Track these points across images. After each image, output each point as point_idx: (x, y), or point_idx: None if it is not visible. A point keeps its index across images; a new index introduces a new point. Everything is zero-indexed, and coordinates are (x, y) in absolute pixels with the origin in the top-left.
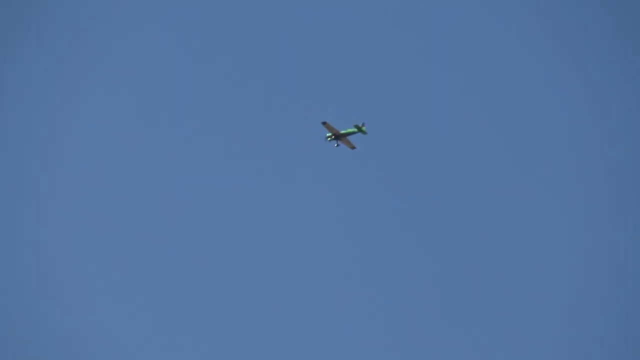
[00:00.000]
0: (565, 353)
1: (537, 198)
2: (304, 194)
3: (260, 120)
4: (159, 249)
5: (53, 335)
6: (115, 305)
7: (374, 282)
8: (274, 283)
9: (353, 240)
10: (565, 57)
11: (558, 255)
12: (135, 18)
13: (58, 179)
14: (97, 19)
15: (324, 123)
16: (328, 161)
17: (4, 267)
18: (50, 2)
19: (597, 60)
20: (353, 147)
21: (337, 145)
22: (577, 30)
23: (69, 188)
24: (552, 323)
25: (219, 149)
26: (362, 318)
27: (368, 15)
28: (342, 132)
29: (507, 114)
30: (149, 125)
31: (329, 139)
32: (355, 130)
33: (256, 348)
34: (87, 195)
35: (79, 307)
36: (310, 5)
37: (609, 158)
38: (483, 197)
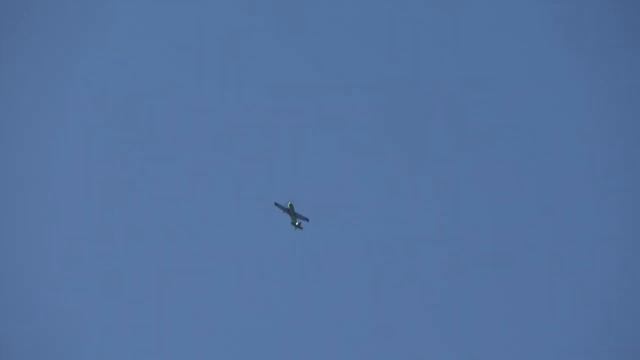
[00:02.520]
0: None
1: (537, 199)
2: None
3: (256, 127)
4: (152, 249)
5: (40, 333)
6: (106, 303)
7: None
8: (270, 283)
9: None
10: (566, 57)
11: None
12: (127, 21)
13: (51, 178)
14: (91, 20)
15: (276, 204)
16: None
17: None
18: (43, 3)
19: (597, 60)
20: (306, 219)
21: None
22: (578, 30)
23: (62, 187)
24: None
25: (211, 152)
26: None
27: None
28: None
29: (506, 114)
30: (142, 126)
31: (295, 225)
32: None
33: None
34: (79, 194)
35: (69, 305)
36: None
37: (610, 156)
38: (485, 197)
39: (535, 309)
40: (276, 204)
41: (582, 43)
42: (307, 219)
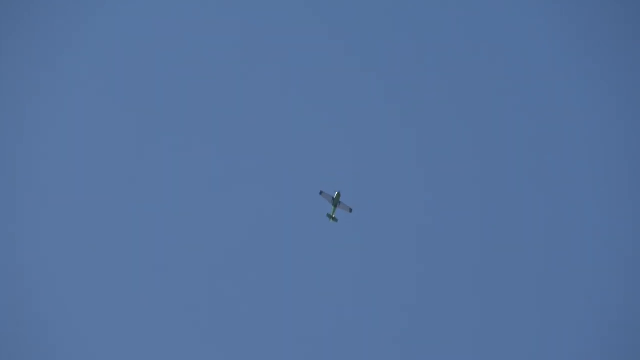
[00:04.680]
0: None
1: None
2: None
3: (256, 125)
4: (149, 250)
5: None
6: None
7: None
8: (270, 285)
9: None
10: (566, 57)
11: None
12: (128, 18)
13: (47, 178)
14: (90, 17)
15: (321, 193)
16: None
17: None
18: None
19: (598, 60)
20: (350, 210)
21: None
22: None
23: (59, 187)
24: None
25: (210, 152)
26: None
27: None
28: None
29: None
30: (140, 127)
31: (331, 217)
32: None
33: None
34: (77, 195)
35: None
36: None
37: (611, 157)
38: (486, 199)
39: (536, 309)
40: (322, 193)
41: (584, 41)
42: (351, 210)
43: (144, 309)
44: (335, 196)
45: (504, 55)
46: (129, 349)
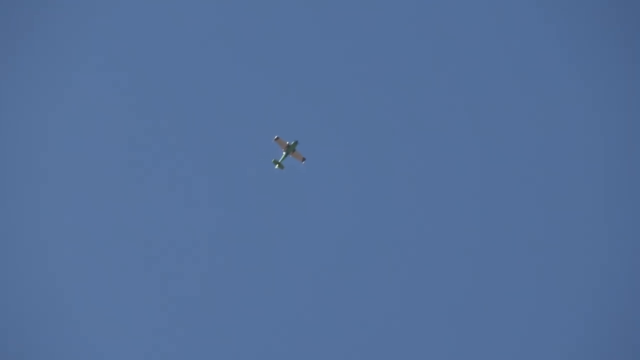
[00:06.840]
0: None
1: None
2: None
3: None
4: (149, 251)
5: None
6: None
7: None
8: (270, 283)
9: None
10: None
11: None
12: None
13: (47, 179)
14: (91, 17)
15: (276, 139)
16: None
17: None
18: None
19: (598, 61)
20: (303, 159)
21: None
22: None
23: (60, 188)
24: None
25: (210, 150)
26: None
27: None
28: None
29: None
30: (139, 126)
31: (278, 163)
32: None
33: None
34: (77, 196)
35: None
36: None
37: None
38: (485, 198)
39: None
40: (277, 138)
41: (581, 41)
42: (304, 159)
43: (154, 309)
44: (292, 144)
45: (502, 55)
46: (134, 349)
